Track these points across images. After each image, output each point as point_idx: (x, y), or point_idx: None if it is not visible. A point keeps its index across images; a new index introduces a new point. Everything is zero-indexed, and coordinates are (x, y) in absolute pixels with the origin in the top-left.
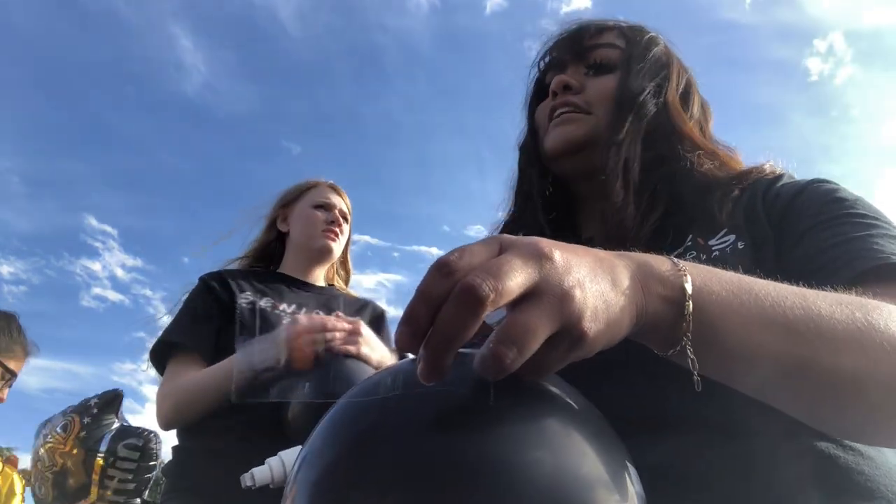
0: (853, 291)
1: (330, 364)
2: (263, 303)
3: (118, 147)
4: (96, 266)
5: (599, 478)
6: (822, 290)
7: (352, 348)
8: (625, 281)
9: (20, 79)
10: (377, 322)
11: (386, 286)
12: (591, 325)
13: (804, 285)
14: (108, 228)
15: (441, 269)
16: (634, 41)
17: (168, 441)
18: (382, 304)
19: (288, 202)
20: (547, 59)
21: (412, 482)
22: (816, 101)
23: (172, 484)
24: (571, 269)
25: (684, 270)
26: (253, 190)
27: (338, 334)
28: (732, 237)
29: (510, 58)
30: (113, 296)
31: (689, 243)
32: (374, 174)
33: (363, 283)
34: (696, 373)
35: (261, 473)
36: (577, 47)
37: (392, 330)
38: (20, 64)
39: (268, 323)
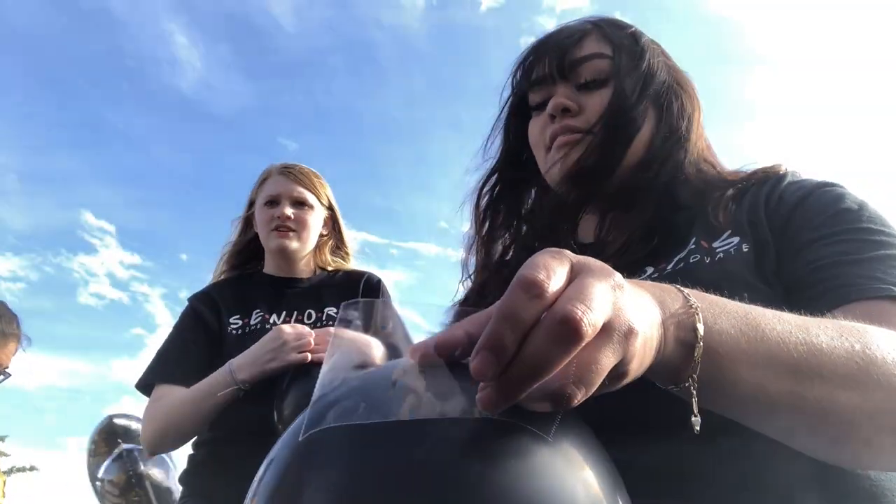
0: (851, 314)
1: (313, 371)
2: (253, 320)
3: (113, 143)
4: (94, 263)
5: None
6: (826, 317)
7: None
8: (657, 321)
9: (14, 74)
10: (373, 292)
11: (398, 287)
12: (636, 365)
13: (803, 313)
14: (106, 225)
15: (530, 290)
16: (620, 45)
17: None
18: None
19: (252, 201)
20: (525, 76)
21: None
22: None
23: (187, 490)
24: (637, 305)
25: (696, 309)
26: (250, 186)
27: (316, 346)
28: (736, 239)
29: (506, 53)
30: (111, 293)
31: (693, 246)
32: (371, 171)
33: None
34: (696, 415)
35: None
36: (563, 63)
37: (390, 296)
38: (13, 59)
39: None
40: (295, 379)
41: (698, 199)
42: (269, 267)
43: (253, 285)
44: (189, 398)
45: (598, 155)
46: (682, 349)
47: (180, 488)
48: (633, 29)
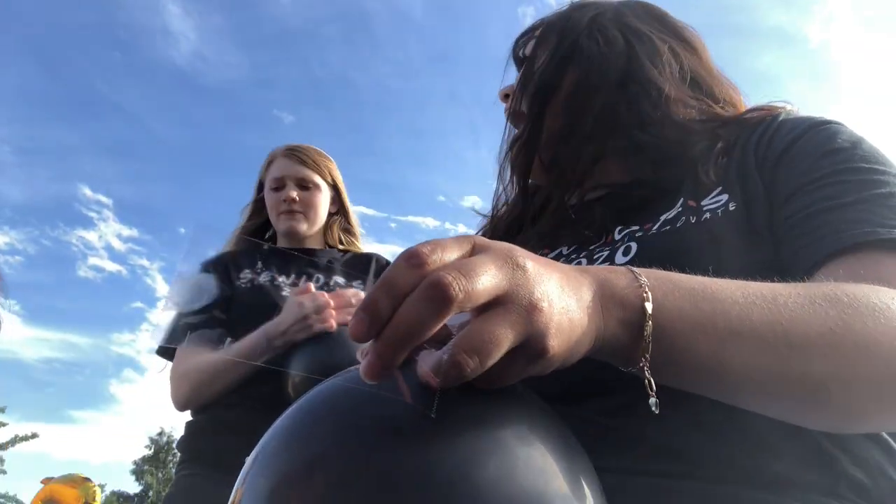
0: (838, 267)
1: (329, 335)
2: (263, 278)
3: (108, 115)
4: (92, 236)
5: (549, 494)
6: (800, 281)
7: (349, 318)
8: (588, 300)
9: (4, 45)
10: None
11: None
12: (553, 342)
13: (788, 275)
14: (103, 198)
15: (410, 259)
16: (552, 21)
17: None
18: None
19: (261, 185)
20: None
21: (346, 493)
22: (816, 69)
23: (186, 455)
24: (541, 282)
25: (645, 287)
26: (246, 159)
27: (334, 311)
28: (725, 197)
29: (505, 23)
30: (110, 266)
31: (680, 208)
32: (368, 143)
33: None
34: (653, 395)
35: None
36: (514, 52)
37: None
38: (4, 30)
39: (268, 297)
40: (303, 346)
41: (685, 148)
42: (283, 241)
43: (262, 252)
44: (222, 361)
45: (514, 123)
46: (630, 330)
47: None
48: (582, 2)
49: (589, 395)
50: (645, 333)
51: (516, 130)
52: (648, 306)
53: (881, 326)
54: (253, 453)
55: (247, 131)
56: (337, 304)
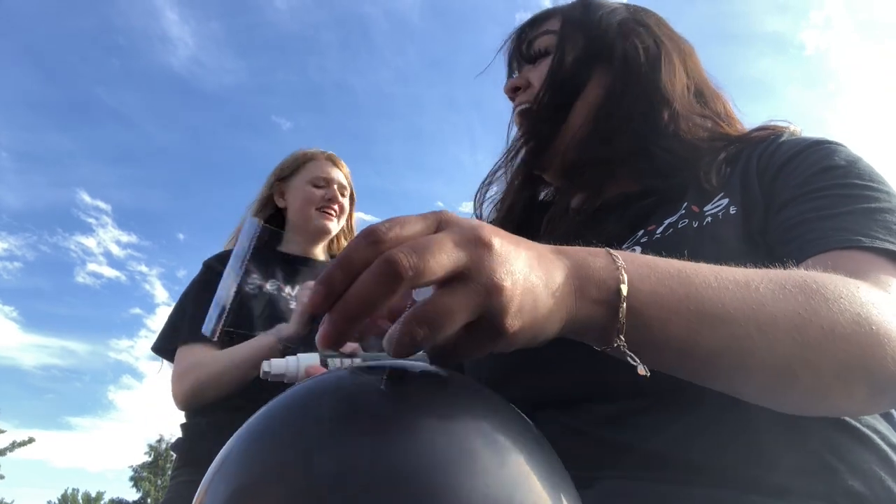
0: (816, 264)
1: None
2: (269, 286)
3: (106, 121)
4: (90, 242)
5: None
6: (773, 268)
7: None
8: (558, 281)
9: (3, 51)
10: None
11: None
12: (513, 321)
13: (777, 265)
14: (101, 204)
15: (368, 236)
16: (569, 17)
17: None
18: None
19: (284, 176)
20: (507, 66)
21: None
22: (812, 75)
23: (182, 458)
24: (507, 261)
25: (621, 269)
26: (245, 165)
27: None
28: (726, 201)
29: (502, 29)
30: (108, 272)
31: (683, 211)
32: (366, 149)
33: None
34: (639, 366)
35: (277, 366)
36: (517, 45)
37: None
38: (3, 37)
39: (275, 307)
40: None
41: (691, 162)
42: (289, 245)
43: (268, 258)
44: (229, 360)
45: (541, 118)
46: (604, 310)
47: None
48: (596, 1)
49: (589, 401)
50: (620, 315)
51: (529, 124)
52: (623, 288)
53: (845, 312)
54: (217, 458)
55: (245, 137)
56: None
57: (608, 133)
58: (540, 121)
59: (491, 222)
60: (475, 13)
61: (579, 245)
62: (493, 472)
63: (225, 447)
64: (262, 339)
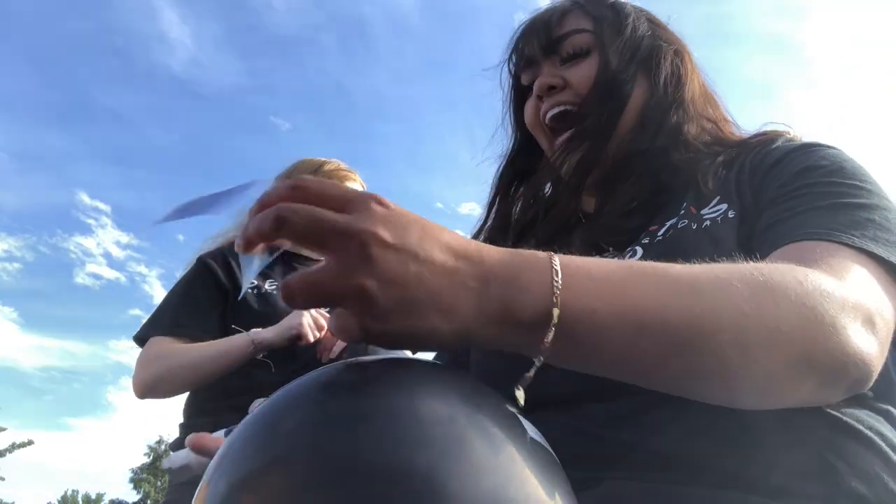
0: (779, 254)
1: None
2: (268, 286)
3: (105, 122)
4: (90, 243)
5: (518, 497)
6: (723, 262)
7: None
8: (460, 297)
9: (2, 53)
10: None
11: None
12: (373, 323)
13: (748, 259)
14: (101, 205)
15: (297, 185)
16: (601, 17)
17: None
18: None
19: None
20: (516, 59)
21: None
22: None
23: None
24: (380, 264)
25: (556, 294)
26: (244, 166)
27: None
28: (724, 206)
29: (500, 29)
30: (108, 273)
31: (683, 211)
32: (365, 150)
33: None
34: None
35: (177, 458)
36: (546, 41)
37: None
38: (2, 38)
39: (275, 307)
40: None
41: (693, 164)
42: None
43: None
44: (197, 355)
45: (592, 124)
46: (533, 330)
47: None
48: (614, 1)
49: (589, 401)
50: (546, 337)
51: (580, 129)
52: (555, 313)
53: (791, 305)
54: (218, 453)
55: (244, 138)
56: (329, 336)
57: (649, 139)
58: (593, 127)
59: (491, 222)
60: (474, 14)
61: (582, 245)
62: (487, 465)
63: (226, 441)
64: (236, 340)
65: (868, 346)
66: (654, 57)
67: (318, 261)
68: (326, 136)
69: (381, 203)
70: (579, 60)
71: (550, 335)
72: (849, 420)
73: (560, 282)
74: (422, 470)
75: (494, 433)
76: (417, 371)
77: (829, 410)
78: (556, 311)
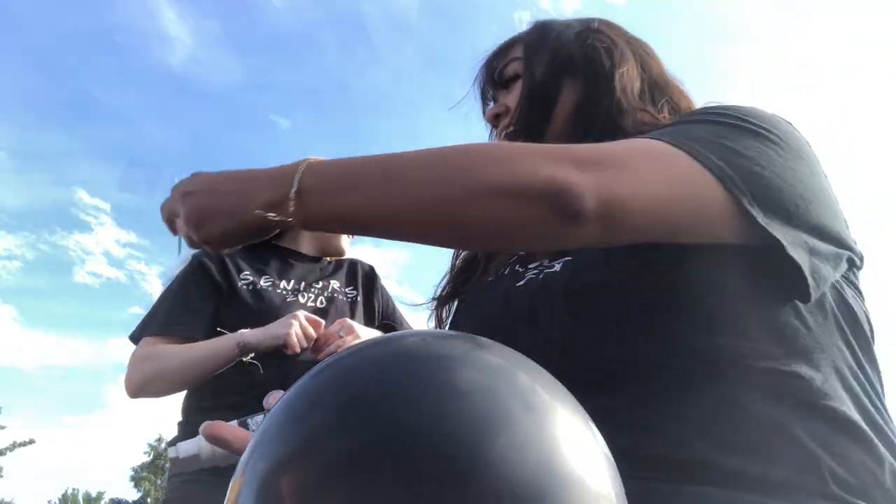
0: None
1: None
2: (263, 282)
3: (104, 120)
4: (90, 241)
5: (566, 470)
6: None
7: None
8: (232, 201)
9: (1, 50)
10: (370, 279)
11: (395, 265)
12: (198, 232)
13: None
14: (100, 203)
15: (178, 192)
16: (529, 39)
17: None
18: (392, 283)
19: None
20: (478, 95)
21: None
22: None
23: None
24: (189, 201)
25: (291, 203)
26: (243, 164)
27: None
28: None
29: (501, 27)
30: (108, 271)
31: None
32: (364, 149)
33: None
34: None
35: (186, 448)
36: (489, 76)
37: (379, 279)
38: (0, 36)
39: (270, 303)
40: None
41: None
42: (286, 240)
43: (261, 253)
44: (187, 357)
45: (523, 126)
46: (284, 197)
47: None
48: (552, 21)
49: (584, 397)
50: (290, 201)
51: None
52: (294, 183)
53: (478, 155)
54: (251, 443)
55: (243, 136)
56: (322, 340)
57: (582, 134)
58: (523, 129)
59: None
60: (474, 12)
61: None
62: (530, 438)
63: (258, 431)
64: (222, 341)
65: (559, 172)
66: (583, 59)
67: (309, 256)
68: (326, 134)
69: (184, 180)
70: (515, 85)
71: (293, 191)
72: (848, 416)
73: (293, 194)
74: (465, 443)
75: (536, 405)
76: (456, 343)
77: (828, 409)
78: (294, 182)
